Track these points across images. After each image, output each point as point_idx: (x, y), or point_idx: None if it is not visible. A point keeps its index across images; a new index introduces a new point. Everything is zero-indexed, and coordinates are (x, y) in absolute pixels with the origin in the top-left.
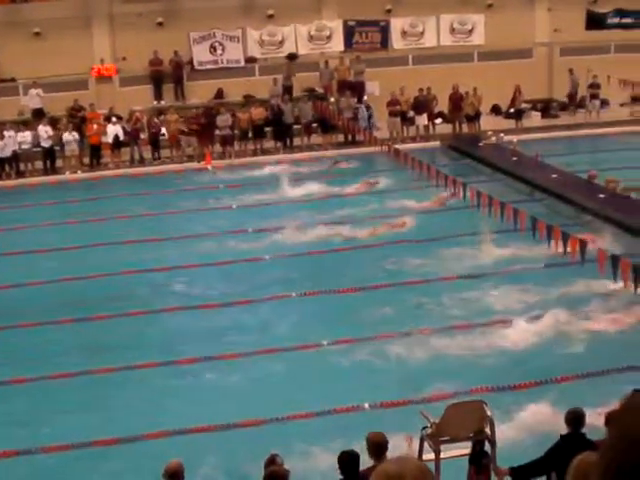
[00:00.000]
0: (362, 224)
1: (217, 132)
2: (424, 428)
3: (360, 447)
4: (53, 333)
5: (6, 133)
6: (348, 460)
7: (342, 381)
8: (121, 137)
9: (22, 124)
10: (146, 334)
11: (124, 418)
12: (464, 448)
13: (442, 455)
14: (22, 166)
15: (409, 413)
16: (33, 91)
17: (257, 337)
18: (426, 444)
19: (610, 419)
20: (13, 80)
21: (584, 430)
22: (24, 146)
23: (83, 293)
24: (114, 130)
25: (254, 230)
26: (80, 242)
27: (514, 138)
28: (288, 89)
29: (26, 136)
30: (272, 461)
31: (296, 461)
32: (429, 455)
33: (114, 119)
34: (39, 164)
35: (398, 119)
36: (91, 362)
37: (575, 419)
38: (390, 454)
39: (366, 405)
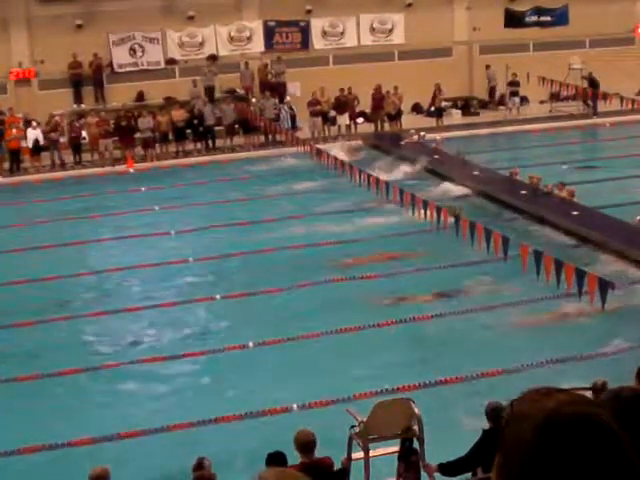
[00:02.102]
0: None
1: (138, 135)
2: (352, 427)
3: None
4: None
5: None
6: (276, 461)
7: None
8: (41, 142)
9: None
10: (58, 340)
11: (48, 424)
12: (393, 446)
13: (371, 453)
14: None
15: (337, 413)
16: None
17: (179, 339)
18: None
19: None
20: None
21: None
22: None
23: None
24: (34, 135)
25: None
26: None
27: (437, 136)
28: (210, 90)
29: None
30: (200, 465)
31: (222, 464)
32: (358, 454)
33: (34, 123)
34: None
35: (319, 119)
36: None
37: (494, 413)
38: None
39: (294, 406)
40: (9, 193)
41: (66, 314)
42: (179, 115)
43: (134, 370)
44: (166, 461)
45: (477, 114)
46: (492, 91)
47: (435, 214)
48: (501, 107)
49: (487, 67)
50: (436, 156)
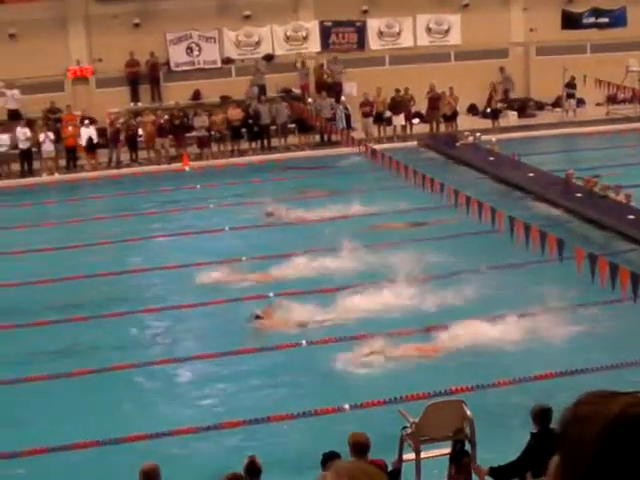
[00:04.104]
0: None
1: (193, 133)
2: (404, 428)
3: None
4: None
5: None
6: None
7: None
8: (95, 139)
9: None
10: (113, 336)
11: (102, 419)
12: (444, 447)
13: (422, 455)
14: None
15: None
16: (9, 92)
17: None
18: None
19: (557, 438)
20: None
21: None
22: (1, 148)
23: (58, 296)
24: (87, 132)
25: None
26: (55, 244)
27: (492, 138)
28: (261, 89)
29: (3, 138)
30: (251, 464)
31: (274, 464)
32: (410, 455)
33: (86, 121)
34: (16, 166)
35: (370, 120)
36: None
37: (541, 416)
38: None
39: (346, 406)
40: (66, 190)
41: (122, 310)
42: (235, 114)
43: (188, 367)
44: (216, 459)
45: (533, 116)
46: (505, 95)
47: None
48: (557, 109)
49: (501, 70)
50: (491, 157)
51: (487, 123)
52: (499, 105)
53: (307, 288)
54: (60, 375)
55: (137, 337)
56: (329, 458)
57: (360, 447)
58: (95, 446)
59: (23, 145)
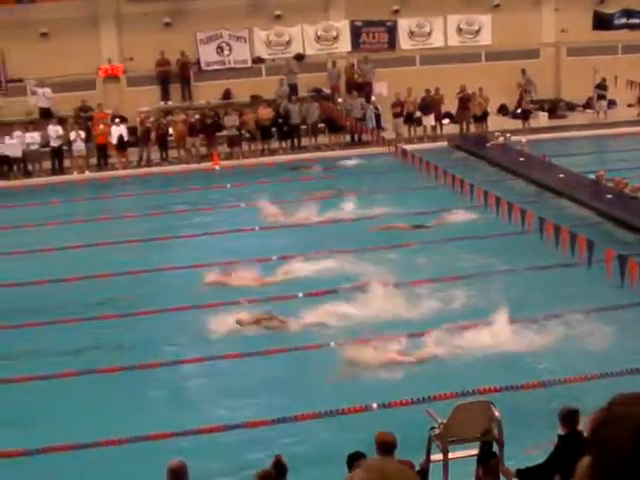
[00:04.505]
0: None
1: (224, 132)
2: (432, 428)
3: (364, 446)
4: (54, 332)
5: (14, 133)
6: (356, 459)
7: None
8: (125, 138)
9: (30, 124)
10: (142, 333)
11: (127, 417)
12: (472, 448)
13: (450, 455)
14: (30, 166)
15: (417, 413)
16: (40, 91)
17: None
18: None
19: (590, 438)
20: (20, 80)
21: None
22: (32, 146)
23: (85, 294)
24: (118, 131)
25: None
26: (85, 242)
27: (523, 138)
28: (293, 88)
29: (35, 136)
30: (278, 463)
31: (300, 463)
32: (437, 455)
33: (117, 120)
34: (47, 164)
35: (401, 120)
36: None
37: (569, 418)
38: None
39: (374, 405)
40: (96, 188)
41: (150, 308)
42: (266, 114)
43: (216, 366)
44: (243, 458)
45: (564, 117)
46: (521, 97)
47: (520, 216)
48: (588, 110)
49: (523, 72)
50: (521, 158)
51: (517, 124)
52: (530, 106)
53: (334, 287)
54: (88, 372)
55: (165, 335)
56: (354, 459)
57: (386, 446)
58: (123, 444)
59: (54, 143)
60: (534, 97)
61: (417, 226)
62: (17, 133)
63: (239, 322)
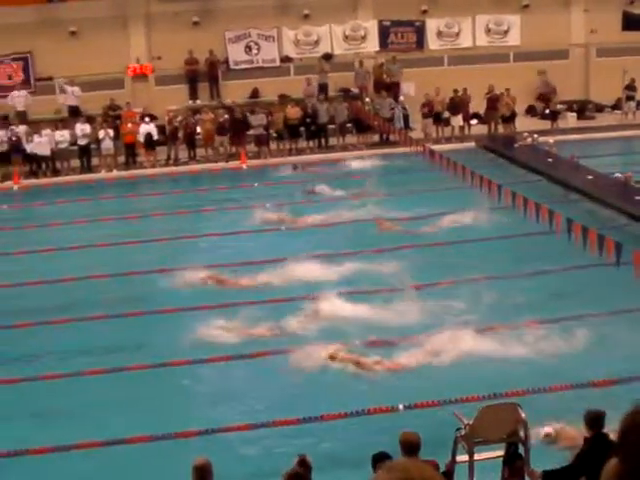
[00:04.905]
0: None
1: (251, 132)
2: (458, 429)
3: (390, 447)
4: (81, 330)
5: (43, 132)
6: (380, 459)
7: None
8: (155, 136)
9: (59, 122)
10: (168, 331)
11: (155, 415)
12: (498, 450)
13: (475, 457)
14: (58, 165)
15: (443, 414)
16: (69, 89)
17: None
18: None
19: (618, 443)
20: (50, 79)
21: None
22: (61, 145)
23: (113, 291)
24: (146, 129)
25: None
26: (112, 240)
27: (550, 139)
28: (323, 88)
29: (64, 134)
30: (302, 462)
31: (325, 463)
32: (463, 456)
33: (147, 119)
34: (75, 163)
35: (430, 120)
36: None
37: (595, 420)
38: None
39: (400, 406)
40: (125, 186)
41: (176, 306)
42: (294, 113)
43: (242, 365)
44: (268, 457)
45: (593, 118)
46: (543, 99)
47: (548, 217)
48: (617, 111)
49: (540, 73)
50: (549, 159)
51: (546, 124)
52: (558, 107)
53: (363, 288)
54: (116, 369)
55: (191, 334)
56: (379, 459)
57: (410, 446)
58: (150, 441)
59: (82, 141)
60: (554, 98)
61: (442, 226)
62: (46, 132)
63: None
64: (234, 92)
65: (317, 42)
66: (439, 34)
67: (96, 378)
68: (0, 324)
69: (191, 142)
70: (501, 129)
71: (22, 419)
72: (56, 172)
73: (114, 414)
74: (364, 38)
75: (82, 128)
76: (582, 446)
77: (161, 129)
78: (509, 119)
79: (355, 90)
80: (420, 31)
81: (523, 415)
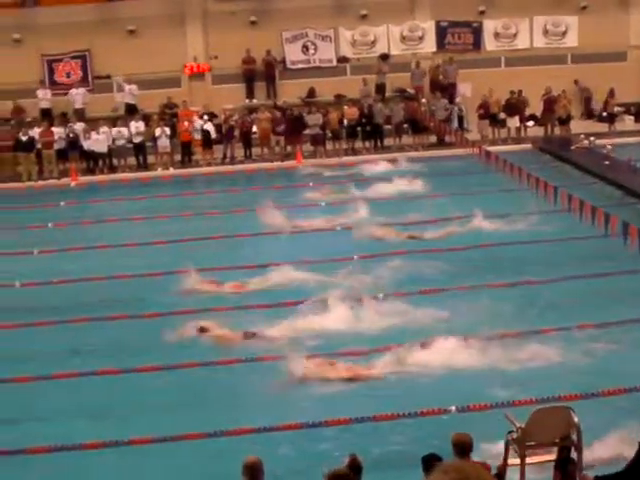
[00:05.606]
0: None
1: (307, 131)
2: (510, 432)
3: (441, 449)
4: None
5: (101, 129)
6: (431, 464)
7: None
8: (212, 135)
9: (117, 120)
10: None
11: (210, 412)
12: (550, 454)
13: (527, 460)
14: (115, 162)
15: (495, 417)
16: (127, 87)
17: None
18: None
19: None
20: (108, 77)
21: None
22: (118, 142)
23: (168, 288)
24: (206, 128)
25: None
26: (168, 237)
27: (609, 144)
28: (381, 88)
29: (122, 132)
30: (353, 462)
31: (376, 463)
32: (514, 460)
33: (205, 117)
34: (132, 160)
35: (486, 121)
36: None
37: None
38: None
39: (453, 408)
40: (180, 184)
41: (229, 305)
42: (351, 113)
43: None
44: (318, 457)
45: None
46: (587, 103)
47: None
48: None
49: (575, 82)
50: (606, 162)
51: (603, 127)
52: (616, 109)
53: (414, 289)
54: (170, 367)
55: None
56: (429, 461)
57: (462, 447)
58: (202, 438)
59: (136, 139)
60: (594, 106)
61: (497, 228)
62: (103, 129)
63: (204, 329)
64: (290, 91)
65: (374, 42)
66: (496, 35)
67: (149, 375)
68: (59, 319)
69: (247, 141)
70: (558, 131)
71: (78, 417)
72: (113, 169)
73: (166, 412)
74: (421, 39)
75: (136, 126)
76: (637, 451)
77: (218, 128)
78: (565, 121)
79: (411, 91)
80: (477, 32)
81: (576, 419)
